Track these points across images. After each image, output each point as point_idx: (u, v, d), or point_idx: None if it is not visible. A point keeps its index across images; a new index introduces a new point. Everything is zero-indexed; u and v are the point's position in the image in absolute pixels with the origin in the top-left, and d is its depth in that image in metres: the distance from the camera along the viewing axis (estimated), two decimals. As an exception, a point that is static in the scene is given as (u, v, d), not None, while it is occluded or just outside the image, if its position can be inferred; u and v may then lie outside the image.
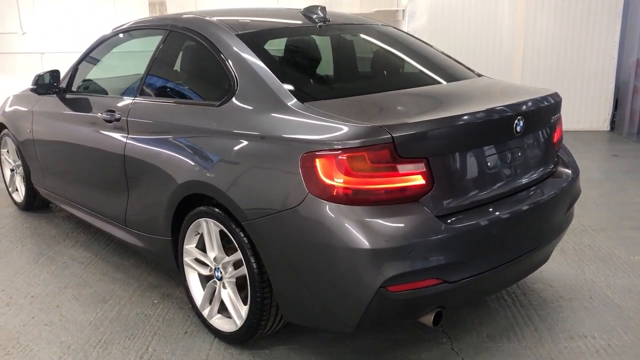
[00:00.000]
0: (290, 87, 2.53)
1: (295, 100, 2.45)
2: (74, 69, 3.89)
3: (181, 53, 3.20)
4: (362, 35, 3.25)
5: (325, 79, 3.08)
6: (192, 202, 2.80)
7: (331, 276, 2.24)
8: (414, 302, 2.26)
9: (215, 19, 3.03)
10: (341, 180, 2.17)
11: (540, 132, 2.71)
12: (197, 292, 2.92)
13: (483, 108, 2.42)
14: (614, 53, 7.39)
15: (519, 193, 2.57)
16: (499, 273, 2.46)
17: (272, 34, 3.00)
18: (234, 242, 2.55)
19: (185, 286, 2.96)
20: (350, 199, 2.18)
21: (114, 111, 3.27)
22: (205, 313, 2.86)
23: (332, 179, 2.18)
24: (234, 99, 2.65)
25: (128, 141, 3.15)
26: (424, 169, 2.23)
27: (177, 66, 3.22)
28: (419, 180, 2.23)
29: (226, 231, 2.58)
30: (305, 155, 2.24)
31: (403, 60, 3.10)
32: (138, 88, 3.25)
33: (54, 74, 3.84)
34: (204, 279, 2.90)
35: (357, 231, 2.14)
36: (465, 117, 2.33)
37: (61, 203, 4.11)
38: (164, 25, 3.28)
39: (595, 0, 7.24)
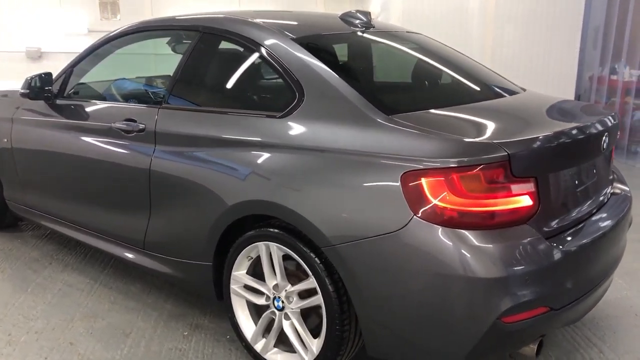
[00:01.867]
0: (370, 99, 2.30)
1: (381, 113, 2.23)
2: (68, 72, 3.45)
3: (222, 58, 2.89)
4: (412, 44, 3.07)
5: (399, 90, 2.85)
6: (243, 224, 2.51)
7: (438, 307, 2.03)
8: (523, 332, 2.09)
9: (260, 21, 2.75)
10: (453, 202, 1.98)
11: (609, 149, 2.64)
12: (247, 324, 2.62)
13: (580, 124, 2.30)
14: (574, 67, 7.63)
15: (600, 211, 2.48)
16: (588, 298, 2.34)
17: (331, 40, 2.76)
18: (306, 268, 2.29)
19: (231, 317, 2.65)
20: (462, 222, 1.99)
21: (134, 120, 2.90)
22: (258, 347, 2.56)
23: (442, 200, 1.98)
24: (300, 111, 2.39)
25: (155, 155, 2.80)
26: (533, 189, 2.08)
27: (218, 72, 2.88)
28: (528, 201, 2.07)
29: (295, 257, 2.32)
30: (407, 173, 2.02)
31: (457, 71, 2.95)
32: (166, 95, 2.90)
33: (47, 77, 3.39)
34: (254, 309, 2.61)
35: (474, 258, 1.95)
36: (573, 133, 2.20)
37: (46, 221, 3.63)
38: (192, 27, 2.96)
39: (557, 15, 7.45)
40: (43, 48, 8.42)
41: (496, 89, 2.83)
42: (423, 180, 2.00)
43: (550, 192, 2.17)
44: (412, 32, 3.25)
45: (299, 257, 2.30)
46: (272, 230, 2.37)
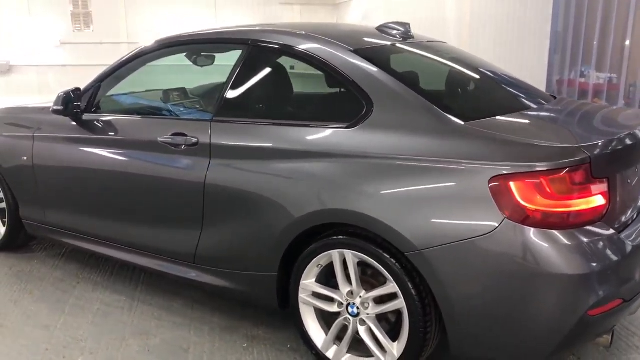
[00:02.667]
0: (442, 107, 2.40)
1: (457, 121, 2.33)
2: (96, 87, 3.39)
3: (279, 71, 2.91)
4: (449, 54, 3.18)
5: (458, 98, 2.94)
6: (309, 234, 2.55)
7: (529, 305, 2.13)
8: (602, 324, 2.23)
9: (314, 34, 2.80)
10: (542, 204, 2.09)
11: None
12: (316, 332, 2.65)
13: (636, 124, 2.47)
14: (544, 71, 8.00)
15: None
16: None
17: (385, 51, 2.83)
18: (386, 274, 2.35)
19: (300, 325, 2.68)
20: (549, 222, 2.10)
21: (184, 134, 2.90)
22: (330, 354, 2.60)
23: (532, 203, 2.09)
24: (370, 121, 2.46)
25: (211, 168, 2.80)
26: (606, 189, 2.22)
27: (276, 85, 2.91)
28: (602, 200, 2.21)
29: (374, 263, 2.38)
30: (495, 178, 2.13)
31: (499, 79, 3.08)
32: (216, 108, 2.90)
33: (79, 92, 3.32)
34: (322, 317, 2.65)
35: (564, 257, 2.07)
36: (637, 135, 2.37)
37: (73, 240, 3.54)
38: (239, 40, 2.98)
39: (527, 22, 7.80)
40: (12, 61, 8.14)
41: (536, 96, 2.98)
42: (512, 184, 2.11)
43: (617, 191, 2.31)
44: (440, 42, 3.37)
45: (378, 263, 2.36)
46: (348, 238, 2.42)
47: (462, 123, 2.32)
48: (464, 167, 2.20)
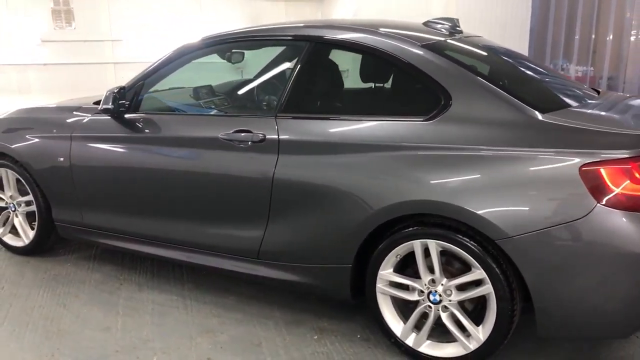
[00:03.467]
0: (519, 99, 2.50)
1: (537, 112, 2.44)
2: (139, 86, 3.35)
3: (339, 66, 2.96)
4: (499, 49, 3.29)
5: (526, 90, 2.90)
6: (386, 225, 2.62)
7: (617, 286, 2.26)
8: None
9: (382, 29, 2.86)
10: (631, 189, 2.22)
11: None
12: (393, 321, 2.72)
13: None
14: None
15: None
16: None
17: (448, 46, 2.91)
18: (472, 261, 2.44)
19: (377, 315, 2.74)
20: (638, 206, 2.23)
21: (249, 131, 2.91)
22: (409, 342, 2.68)
23: (624, 187, 2.21)
24: (449, 113, 2.54)
25: (280, 164, 2.82)
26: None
27: (340, 80, 2.95)
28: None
29: (459, 251, 2.46)
30: (587, 165, 2.24)
31: (547, 73, 3.21)
32: (279, 104, 2.92)
33: (124, 91, 3.28)
34: (398, 305, 2.73)
35: (654, 238, 2.21)
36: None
37: (113, 240, 3.50)
38: (299, 37, 3.00)
39: (508, 18, 8.05)
40: (-10, 60, 7.84)
41: (584, 89, 3.13)
42: (602, 171, 2.23)
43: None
44: (479, 36, 3.48)
45: (464, 251, 2.45)
46: (433, 228, 2.50)
47: (541, 114, 2.43)
48: (553, 156, 2.31)
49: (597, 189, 2.23)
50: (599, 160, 2.24)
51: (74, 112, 3.60)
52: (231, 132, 2.95)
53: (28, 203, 3.85)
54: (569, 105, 2.67)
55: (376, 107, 2.89)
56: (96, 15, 7.98)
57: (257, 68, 3.74)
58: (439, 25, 3.21)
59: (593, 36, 7.30)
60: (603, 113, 2.69)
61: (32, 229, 3.90)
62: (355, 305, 3.03)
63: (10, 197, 3.93)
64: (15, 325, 3.07)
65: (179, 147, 3.14)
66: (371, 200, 2.60)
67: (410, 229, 2.56)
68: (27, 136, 3.71)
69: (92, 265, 3.84)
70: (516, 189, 2.35)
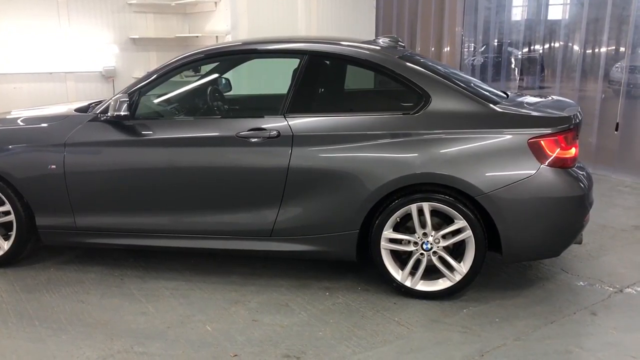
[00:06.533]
0: (476, 96, 3.48)
1: (492, 104, 3.43)
2: (139, 93, 3.70)
3: (337, 73, 3.66)
4: (435, 61, 4.25)
5: (474, 89, 3.66)
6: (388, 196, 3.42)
7: (556, 217, 3.32)
8: (583, 227, 3.55)
9: (369, 46, 3.67)
10: (560, 153, 3.30)
11: None
12: (393, 270, 3.51)
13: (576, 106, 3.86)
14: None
15: None
16: None
17: (413, 57, 3.78)
18: (455, 214, 3.34)
19: (382, 267, 3.50)
20: (563, 164, 3.32)
21: (263, 129, 3.48)
22: (408, 283, 3.49)
23: (556, 153, 3.29)
24: (430, 107, 3.41)
25: (294, 154, 3.44)
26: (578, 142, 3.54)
27: (339, 84, 3.64)
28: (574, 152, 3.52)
29: (446, 208, 3.35)
30: (531, 139, 3.28)
31: (472, 79, 4.25)
32: (284, 107, 3.53)
33: (132, 98, 3.61)
34: (392, 257, 3.51)
35: (573, 184, 3.33)
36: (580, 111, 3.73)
37: (109, 239, 3.78)
38: (294, 51, 3.67)
39: (357, 25, 9.26)
40: None
41: (496, 89, 4.23)
42: (542, 142, 3.28)
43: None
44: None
45: (450, 208, 3.34)
46: (427, 193, 3.36)
47: (494, 105, 3.43)
48: (509, 134, 3.31)
49: (540, 155, 3.28)
50: (538, 134, 3.30)
51: (63, 121, 3.77)
52: (246, 131, 3.50)
53: (1, 214, 3.88)
54: (500, 101, 3.71)
55: (371, 105, 3.67)
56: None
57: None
58: (387, 40, 4.06)
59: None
60: (528, 104, 3.77)
61: (5, 239, 3.93)
62: (343, 266, 3.83)
63: (-19, 209, 3.91)
64: (50, 323, 3.24)
65: (193, 146, 3.58)
66: (379, 176, 3.36)
67: (409, 196, 3.38)
68: (6, 146, 3.77)
69: (77, 267, 4.01)
70: (485, 158, 3.31)
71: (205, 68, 4.17)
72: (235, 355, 2.91)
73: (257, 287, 3.69)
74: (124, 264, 4.04)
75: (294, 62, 3.66)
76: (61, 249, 4.26)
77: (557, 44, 7.50)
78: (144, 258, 4.12)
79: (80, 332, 3.15)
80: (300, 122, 3.51)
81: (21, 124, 3.94)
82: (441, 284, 3.49)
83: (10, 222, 3.87)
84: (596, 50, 6.95)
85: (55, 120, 3.83)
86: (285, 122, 3.50)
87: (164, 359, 2.89)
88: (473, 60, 8.52)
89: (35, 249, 4.07)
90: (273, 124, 3.51)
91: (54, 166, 3.69)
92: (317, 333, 3.13)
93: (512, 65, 8.11)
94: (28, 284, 3.74)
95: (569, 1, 7.45)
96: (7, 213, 3.87)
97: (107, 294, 3.60)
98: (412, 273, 3.49)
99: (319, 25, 8.81)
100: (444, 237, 3.42)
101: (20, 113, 4.21)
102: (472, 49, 8.47)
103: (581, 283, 3.75)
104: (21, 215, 3.83)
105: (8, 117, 4.12)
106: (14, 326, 3.20)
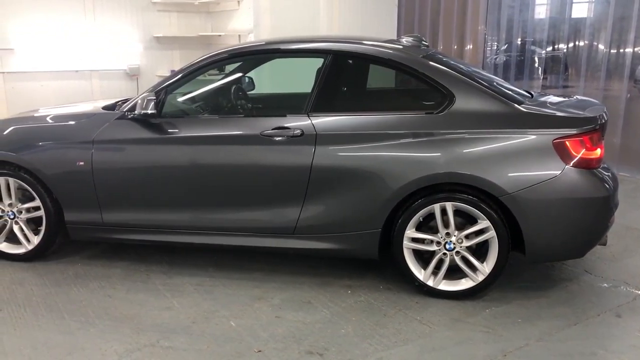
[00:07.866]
0: (501, 95, 3.47)
1: (516, 104, 3.42)
2: (165, 91, 3.76)
3: (361, 72, 3.68)
4: (457, 60, 4.25)
5: (498, 89, 3.67)
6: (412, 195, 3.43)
7: (580, 218, 3.31)
8: (609, 228, 3.52)
9: (396, 46, 3.69)
10: (585, 154, 3.28)
11: None
12: (415, 269, 3.52)
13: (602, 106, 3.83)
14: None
15: None
16: None
17: (436, 56, 3.78)
18: (479, 215, 3.34)
19: (404, 266, 3.51)
20: (588, 165, 3.30)
21: (287, 128, 3.52)
22: (430, 282, 3.50)
23: (581, 154, 3.27)
24: (454, 107, 3.41)
25: (317, 153, 3.47)
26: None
27: (362, 83, 3.67)
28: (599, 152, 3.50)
29: (470, 208, 3.35)
30: (556, 139, 3.27)
31: (495, 78, 4.25)
32: (307, 106, 3.56)
33: (159, 97, 3.69)
34: (414, 257, 3.52)
35: (598, 185, 3.31)
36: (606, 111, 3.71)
37: (135, 235, 3.85)
38: (318, 50, 3.70)
39: (378, 28, 9.26)
40: None
41: (522, 89, 4.21)
42: (567, 143, 3.27)
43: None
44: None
45: (474, 208, 3.34)
46: (450, 193, 3.36)
47: (519, 105, 3.42)
48: (534, 134, 3.30)
49: (565, 155, 3.26)
50: (564, 135, 3.28)
51: (91, 118, 3.85)
52: (270, 129, 3.53)
53: (31, 209, 3.97)
54: (524, 101, 3.69)
55: (395, 104, 3.69)
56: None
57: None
58: (411, 39, 4.06)
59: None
60: (553, 104, 3.75)
61: (35, 234, 4.02)
62: (363, 264, 3.86)
63: (9, 205, 4.00)
64: (79, 316, 3.32)
65: (218, 144, 3.63)
66: (402, 175, 3.37)
67: (433, 195, 3.39)
68: (36, 143, 3.86)
69: (104, 262, 4.09)
70: (510, 158, 3.30)
71: (229, 67, 4.21)
72: (260, 351, 2.95)
73: (279, 284, 3.73)
74: (149, 260, 4.11)
75: (316, 61, 3.69)
76: (86, 244, 4.33)
77: (581, 43, 7.43)
78: (169, 254, 4.19)
79: (108, 325, 3.22)
80: (324, 121, 3.53)
81: (50, 121, 4.04)
82: (464, 284, 3.49)
83: (40, 218, 3.97)
84: (622, 49, 6.86)
85: (84, 118, 3.92)
86: (309, 121, 3.53)
87: (189, 353, 2.94)
88: (495, 59, 8.49)
89: (63, 243, 4.15)
90: (297, 122, 3.54)
91: (82, 163, 3.77)
92: (339, 330, 3.16)
93: (536, 64, 8.05)
94: (57, 278, 3.83)
95: (594, -1, 7.39)
96: (37, 208, 3.96)
97: (133, 289, 3.67)
98: (435, 272, 3.50)
99: (340, 24, 8.82)
100: (467, 237, 3.42)
101: (49, 111, 4.31)
102: (495, 47, 8.43)
103: (605, 285, 3.73)
104: (50, 210, 3.92)
105: (37, 114, 4.22)
106: (44, 319, 3.28)
